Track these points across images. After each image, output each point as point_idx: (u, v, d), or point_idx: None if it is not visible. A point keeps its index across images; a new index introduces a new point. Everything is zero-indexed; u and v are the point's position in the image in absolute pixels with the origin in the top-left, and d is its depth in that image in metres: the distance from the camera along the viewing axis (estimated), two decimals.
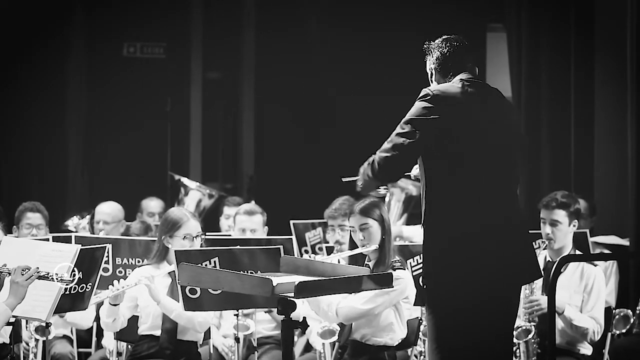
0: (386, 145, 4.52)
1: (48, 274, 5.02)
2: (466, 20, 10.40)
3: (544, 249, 6.51)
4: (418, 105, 4.53)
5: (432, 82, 4.75)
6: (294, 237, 7.42)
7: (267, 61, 11.64)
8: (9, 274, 5.01)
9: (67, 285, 5.21)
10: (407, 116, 4.53)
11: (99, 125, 11.18)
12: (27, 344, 6.45)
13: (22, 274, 4.98)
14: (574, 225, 6.50)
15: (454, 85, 4.59)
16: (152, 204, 9.25)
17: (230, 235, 7.62)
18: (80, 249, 5.32)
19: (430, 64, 4.73)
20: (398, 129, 4.52)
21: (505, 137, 4.63)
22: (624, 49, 8.26)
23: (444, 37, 4.75)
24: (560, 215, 6.45)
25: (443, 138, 4.48)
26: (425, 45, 4.76)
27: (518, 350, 6.36)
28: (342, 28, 11.06)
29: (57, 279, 5.02)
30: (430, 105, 4.50)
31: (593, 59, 9.10)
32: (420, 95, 4.55)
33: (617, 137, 8.79)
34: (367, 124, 9.51)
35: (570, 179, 9.17)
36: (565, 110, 9.23)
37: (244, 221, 7.46)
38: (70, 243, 6.19)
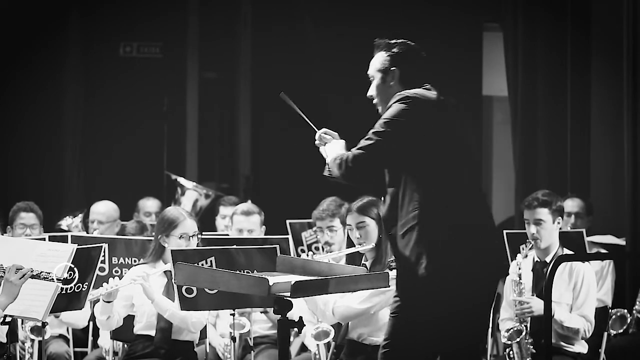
0: (362, 143, 4.54)
1: (41, 273, 4.99)
2: (462, 19, 10.40)
3: (530, 249, 6.50)
4: (396, 107, 4.54)
5: (384, 84, 4.69)
6: (290, 237, 7.41)
7: (264, 61, 11.63)
8: (3, 272, 4.99)
9: (62, 284, 5.19)
10: (385, 117, 4.55)
11: (96, 125, 11.16)
12: (23, 344, 6.45)
13: (16, 273, 4.95)
14: (559, 223, 6.50)
15: (429, 90, 4.62)
16: (149, 204, 9.24)
17: (227, 235, 7.61)
18: (77, 249, 5.32)
19: (392, 68, 4.71)
20: (376, 129, 4.54)
21: (470, 143, 4.74)
22: (620, 48, 8.26)
23: (405, 43, 4.73)
24: (543, 213, 6.45)
25: (420, 142, 4.50)
26: (389, 46, 4.77)
27: (511, 352, 6.37)
28: (339, 28, 11.05)
29: (50, 277, 4.99)
30: (409, 108, 4.51)
31: (589, 59, 9.10)
32: (399, 98, 4.56)
33: (613, 136, 8.80)
34: (364, 124, 9.49)
35: (567, 179, 9.17)
36: (561, 110, 9.23)
37: (241, 221, 7.45)
38: (67, 243, 6.19)
